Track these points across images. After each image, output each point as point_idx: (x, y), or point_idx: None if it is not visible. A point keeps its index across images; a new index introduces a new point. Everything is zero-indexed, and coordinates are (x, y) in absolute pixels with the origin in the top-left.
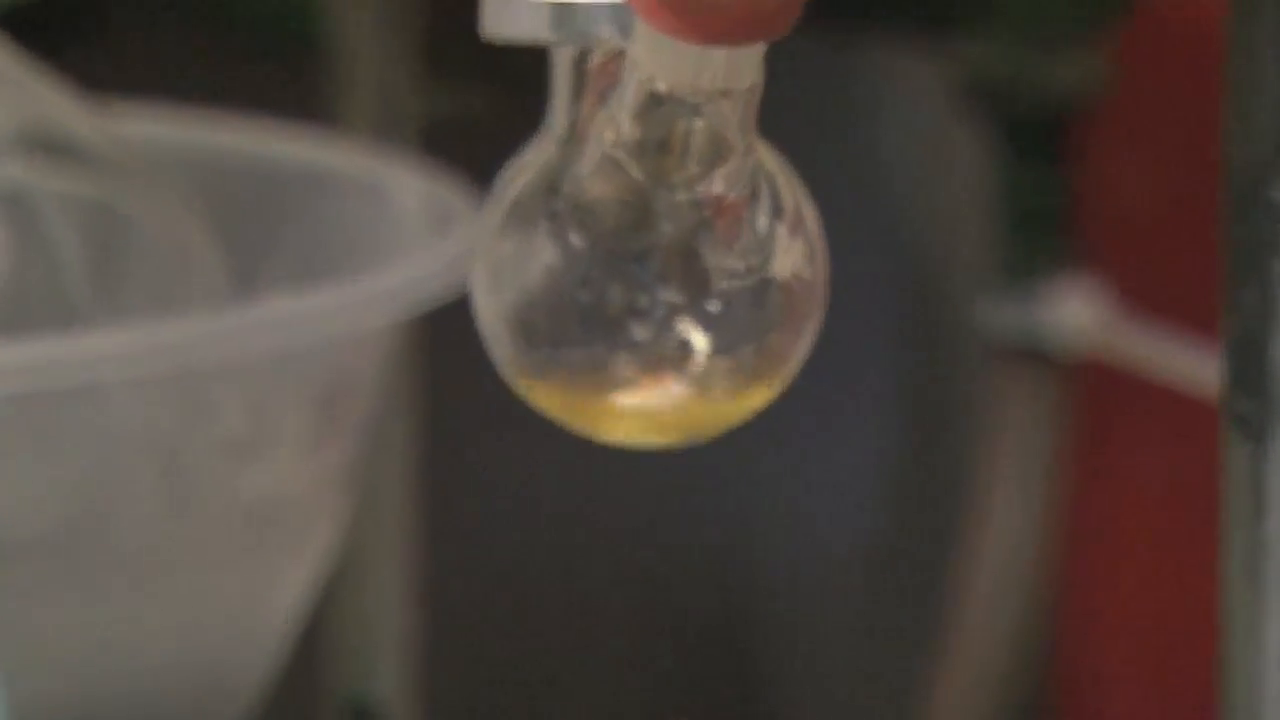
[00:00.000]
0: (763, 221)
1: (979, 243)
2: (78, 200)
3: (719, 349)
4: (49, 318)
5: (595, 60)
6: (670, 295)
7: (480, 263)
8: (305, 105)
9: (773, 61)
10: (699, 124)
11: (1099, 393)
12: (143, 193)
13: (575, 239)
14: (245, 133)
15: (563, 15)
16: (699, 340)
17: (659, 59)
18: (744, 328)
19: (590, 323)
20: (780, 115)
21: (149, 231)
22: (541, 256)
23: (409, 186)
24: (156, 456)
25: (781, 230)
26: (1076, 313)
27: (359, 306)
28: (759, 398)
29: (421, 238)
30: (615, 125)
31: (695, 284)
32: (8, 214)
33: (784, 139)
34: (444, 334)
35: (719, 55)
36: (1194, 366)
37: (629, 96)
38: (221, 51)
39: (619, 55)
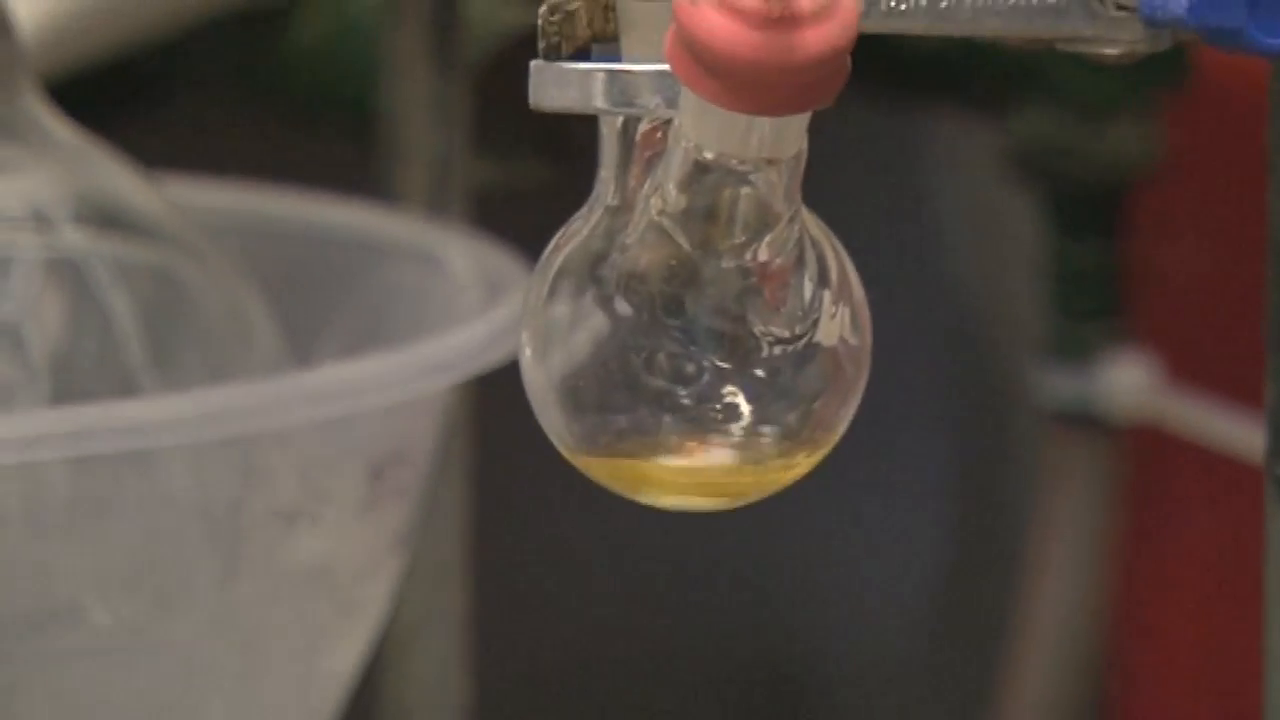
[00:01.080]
0: (808, 288)
1: (1032, 311)
2: (135, 268)
3: (765, 415)
4: (105, 385)
5: (642, 129)
6: (716, 361)
7: (528, 330)
8: (362, 178)
9: (831, 129)
10: (745, 192)
11: (1151, 460)
12: (199, 262)
13: (622, 306)
14: (301, 203)
15: (609, 84)
16: (745, 406)
17: (705, 127)
18: (789, 394)
19: (637, 389)
20: (838, 183)
21: (205, 300)
22: (589, 323)
23: (462, 255)
24: (210, 522)
25: (827, 297)
26: (1128, 381)
27: (410, 375)
28: (804, 463)
29: (474, 305)
30: (662, 193)
31: (741, 350)
32: (66, 282)
33: (842, 206)
34: (496, 399)
35: (765, 124)
36: (1244, 434)
37: (675, 165)
38: (280, 125)
39: (665, 124)
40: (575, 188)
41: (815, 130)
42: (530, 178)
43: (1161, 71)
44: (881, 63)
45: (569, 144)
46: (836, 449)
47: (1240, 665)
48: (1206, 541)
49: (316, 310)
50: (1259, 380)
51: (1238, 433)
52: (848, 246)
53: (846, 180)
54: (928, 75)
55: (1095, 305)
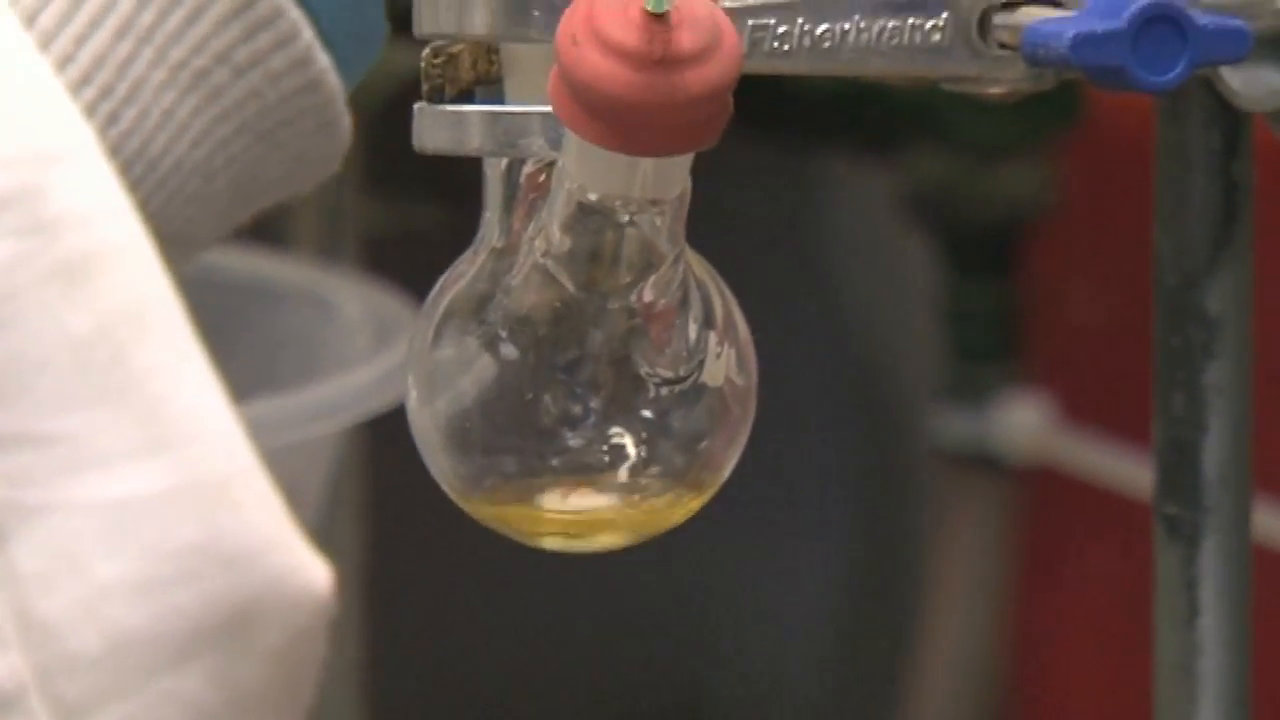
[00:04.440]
0: (693, 329)
1: (927, 352)
2: None
3: (652, 456)
4: None
5: (526, 171)
6: (602, 402)
7: (414, 373)
8: (253, 222)
9: (723, 172)
10: (629, 233)
11: (1045, 498)
12: None
13: (508, 348)
14: None
15: (491, 126)
16: (631, 447)
17: (588, 169)
18: (676, 434)
19: (523, 432)
20: (731, 225)
21: None
22: (474, 366)
23: (353, 299)
24: None
25: (712, 338)
26: (1022, 421)
27: (300, 418)
28: (692, 503)
29: (365, 349)
30: (546, 235)
31: (627, 391)
32: None
33: (735, 248)
34: (386, 441)
35: (648, 165)
36: (1135, 472)
37: (559, 206)
38: None
39: (549, 166)
40: (467, 230)
41: (708, 172)
42: (421, 220)
43: (1052, 112)
44: (773, 105)
45: (460, 187)
46: (736, 488)
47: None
48: (1099, 576)
49: (209, 352)
50: (1149, 420)
51: (1129, 471)
52: (740, 288)
53: (740, 222)
54: (820, 117)
55: (989, 346)
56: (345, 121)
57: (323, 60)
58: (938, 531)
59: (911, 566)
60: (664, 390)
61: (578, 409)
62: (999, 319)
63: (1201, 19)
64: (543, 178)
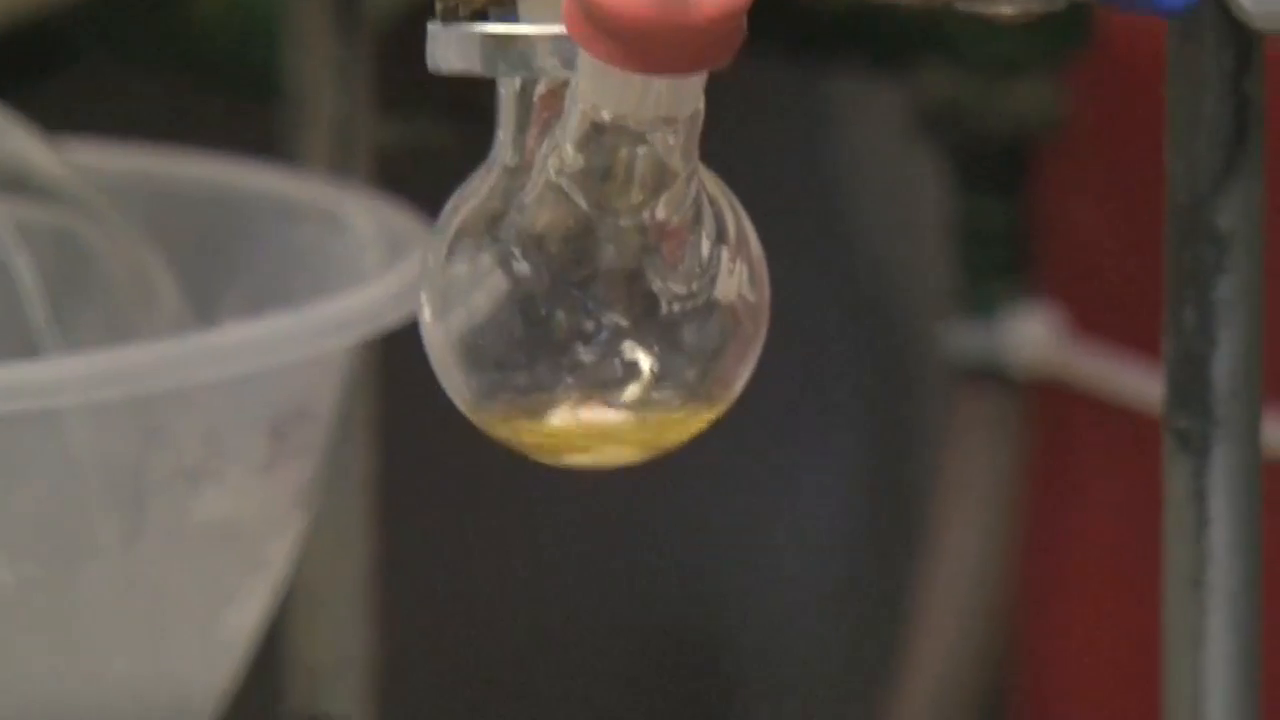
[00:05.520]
0: (706, 246)
1: (937, 268)
2: (37, 230)
3: (664, 371)
4: (7, 346)
5: (540, 91)
6: (615, 319)
7: (427, 290)
8: (266, 139)
9: (735, 90)
10: (642, 151)
11: (1054, 413)
12: (102, 224)
13: (520, 266)
14: (205, 165)
15: (505, 47)
16: (644, 363)
17: (602, 89)
18: (689, 350)
19: (536, 347)
20: (743, 142)
21: (108, 262)
22: (487, 283)
23: (364, 215)
24: (113, 481)
25: (725, 254)
26: (1032, 336)
27: (312, 334)
28: (703, 418)
29: (376, 265)
30: (559, 153)
31: (640, 308)
32: None
33: (746, 166)
34: (400, 357)
35: (661, 84)
36: (1145, 387)
37: (573, 126)
38: (184, 88)
39: (563, 85)
40: (478, 149)
41: (719, 91)
42: (433, 139)
43: (1064, 31)
44: (785, 23)
45: (472, 105)
46: (746, 402)
47: (1144, 614)
48: (1109, 492)
49: (219, 270)
50: (1160, 334)
51: (1139, 386)
52: (752, 206)
53: (751, 140)
54: (832, 36)
55: (1000, 262)
56: None
57: None
58: (948, 445)
59: (921, 479)
60: (676, 306)
61: (590, 325)
62: (1009, 235)
63: None
64: (556, 97)
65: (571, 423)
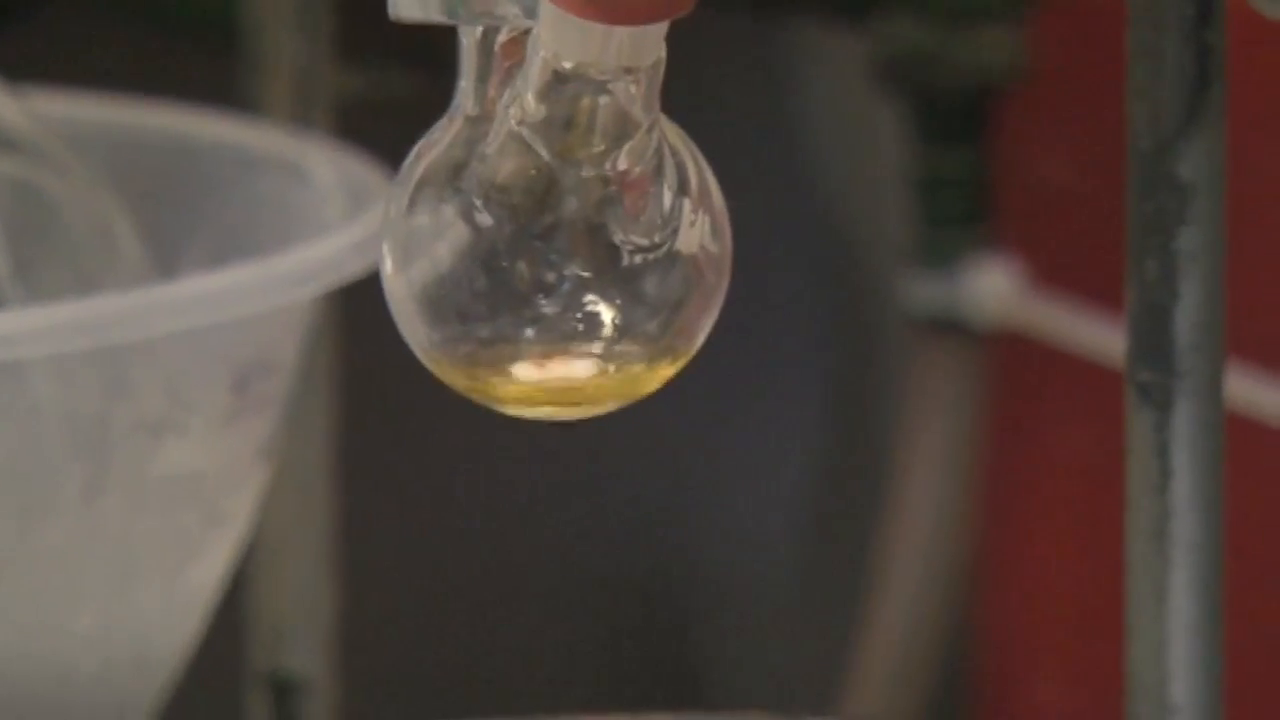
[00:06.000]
0: (668, 196)
1: (898, 218)
2: None
3: (626, 323)
4: None
5: (501, 39)
6: (577, 270)
7: (388, 240)
8: (225, 88)
9: (694, 40)
10: (604, 101)
11: (1016, 365)
12: (62, 173)
13: (482, 216)
14: (165, 115)
15: None
16: (606, 314)
17: (563, 37)
18: (651, 302)
19: (497, 298)
20: (702, 93)
21: (69, 211)
22: (449, 233)
23: (326, 165)
24: (76, 433)
25: (686, 205)
26: (993, 287)
27: (274, 285)
28: (666, 370)
29: (338, 216)
30: (521, 103)
31: (602, 259)
32: None
33: (706, 116)
34: (361, 309)
35: (623, 33)
36: (1107, 338)
37: (534, 75)
38: (144, 37)
39: (524, 34)
40: (441, 97)
41: (680, 41)
42: (395, 88)
43: None
44: None
45: (434, 54)
46: (707, 354)
47: (1107, 567)
48: (1071, 445)
49: (180, 221)
50: (1120, 286)
51: (1101, 337)
52: (712, 156)
53: (712, 90)
54: None
55: (961, 211)
56: None
57: None
58: (908, 396)
59: (882, 430)
60: (638, 258)
61: (552, 276)
62: (970, 185)
63: None
64: (518, 46)
65: (534, 375)
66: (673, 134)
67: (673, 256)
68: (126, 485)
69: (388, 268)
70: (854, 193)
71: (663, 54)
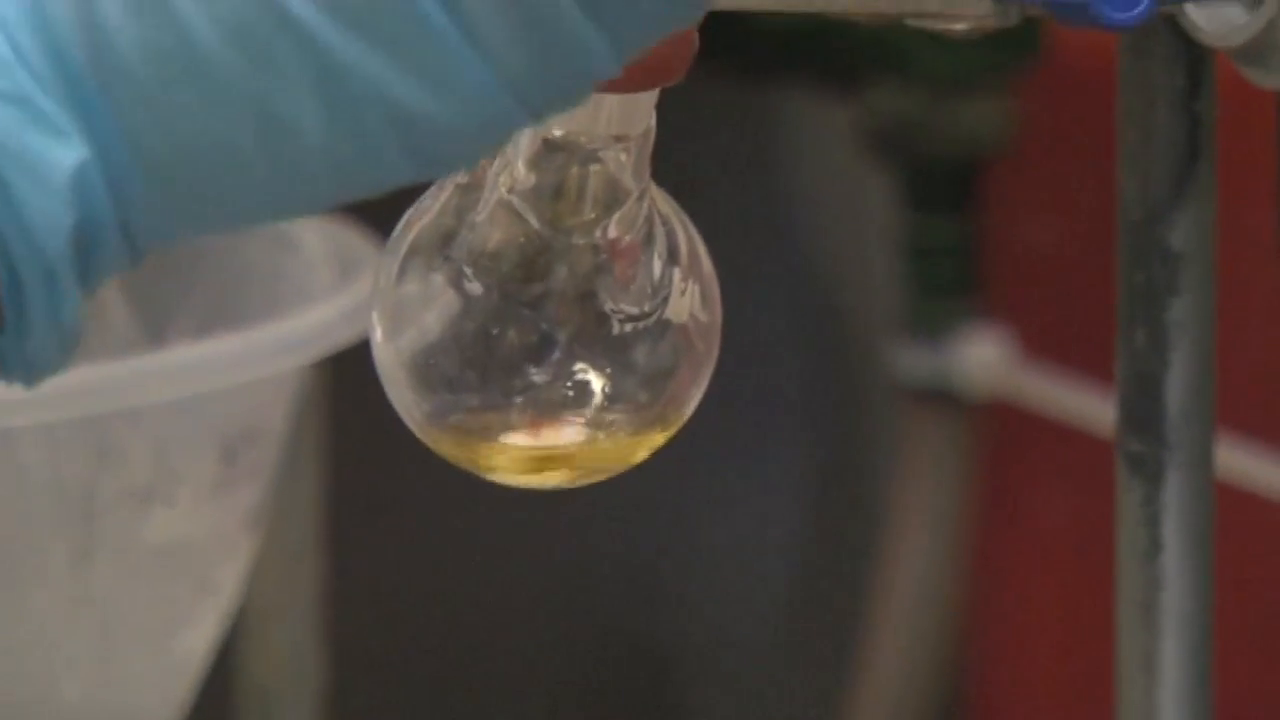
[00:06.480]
0: (658, 265)
1: (887, 288)
2: None
3: (616, 392)
4: None
5: None
6: (567, 339)
7: (379, 309)
8: None
9: (687, 108)
10: (594, 169)
11: (1004, 433)
12: None
13: (472, 284)
14: None
15: None
16: (596, 383)
17: None
18: (641, 371)
19: (487, 367)
20: (694, 160)
21: None
22: (438, 302)
23: (315, 234)
24: (64, 501)
25: (676, 274)
26: (982, 356)
27: (263, 354)
28: (655, 438)
29: (327, 285)
30: (511, 171)
31: (592, 327)
32: None
33: (697, 184)
34: (350, 377)
35: (613, 101)
36: (1095, 408)
37: (524, 143)
38: None
39: None
40: None
41: (670, 107)
42: None
43: (1014, 48)
44: (736, 41)
45: None
46: (696, 422)
47: (1094, 633)
48: (1059, 512)
49: (170, 290)
50: (1111, 355)
51: (1090, 407)
52: (703, 225)
53: (702, 158)
54: (782, 54)
55: (950, 281)
56: None
57: None
58: (897, 467)
59: (871, 501)
60: (629, 326)
61: (542, 345)
62: (959, 254)
63: None
64: None
65: (523, 444)
66: (663, 202)
67: (663, 325)
68: (114, 554)
69: (377, 336)
70: (843, 261)
71: (653, 123)
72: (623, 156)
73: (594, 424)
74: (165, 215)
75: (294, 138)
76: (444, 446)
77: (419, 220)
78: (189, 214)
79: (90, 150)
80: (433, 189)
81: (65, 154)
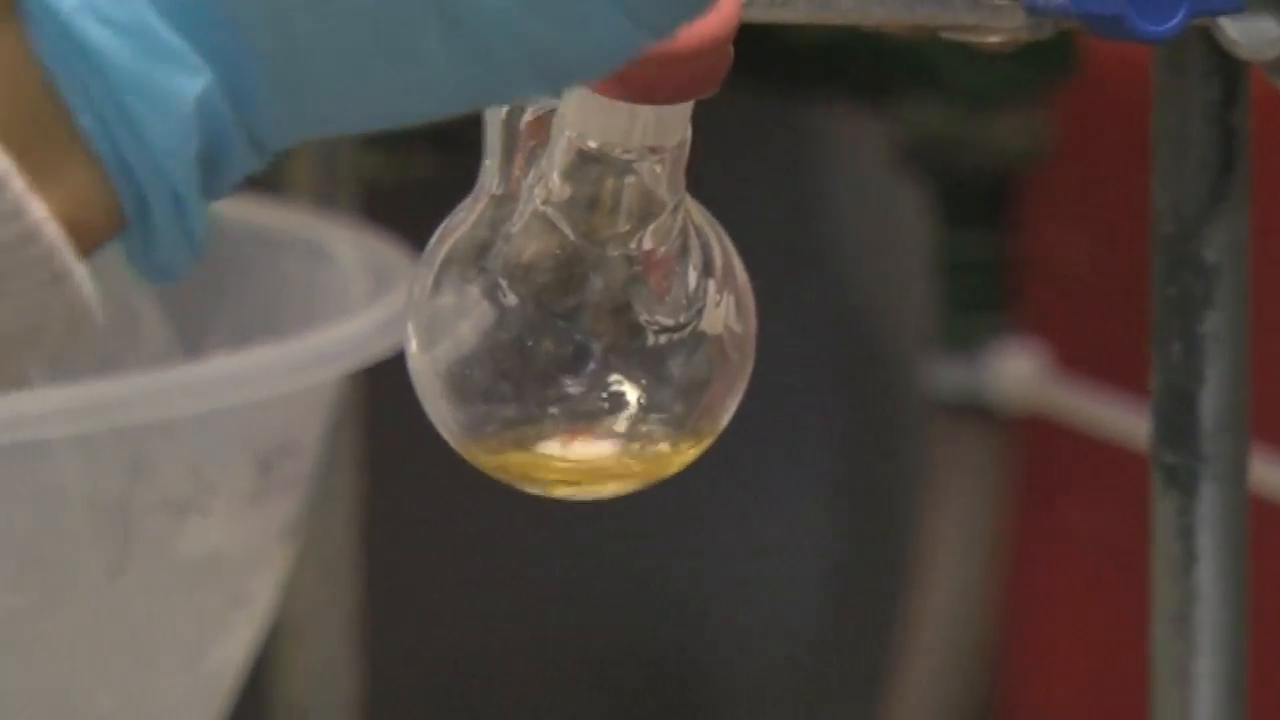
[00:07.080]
0: (693, 276)
1: (921, 301)
2: None
3: (651, 403)
4: None
5: (526, 119)
6: (602, 350)
7: (414, 321)
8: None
9: (720, 120)
10: (629, 181)
11: (1038, 447)
12: None
13: (507, 296)
14: None
15: None
16: (631, 395)
17: (588, 117)
18: (675, 381)
19: (523, 378)
20: (727, 173)
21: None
22: (474, 313)
23: (350, 247)
24: (99, 513)
25: (711, 285)
26: (1015, 369)
27: (298, 366)
28: (690, 451)
29: (362, 297)
30: (545, 183)
31: (627, 339)
32: None
33: (730, 197)
34: (386, 389)
35: (648, 113)
36: (1129, 421)
37: (559, 154)
38: None
39: (549, 114)
40: (464, 178)
41: (705, 121)
42: (419, 168)
43: (1048, 61)
44: (770, 55)
45: (458, 134)
46: (728, 436)
47: (1127, 647)
48: (1093, 525)
49: (205, 302)
50: (1145, 368)
51: (1124, 420)
52: (736, 238)
53: (735, 171)
54: (816, 67)
55: (983, 296)
56: (78, 273)
57: (36, 211)
58: (931, 482)
59: (905, 516)
60: (663, 338)
61: (577, 356)
62: (994, 269)
63: None
64: (542, 125)
65: (558, 455)
66: (697, 214)
67: (697, 336)
68: (149, 565)
69: (413, 348)
70: (876, 275)
71: (688, 134)
72: (658, 168)
73: (629, 435)
74: (291, 122)
75: (418, 58)
76: (479, 458)
77: (454, 232)
78: (315, 119)
79: (213, 73)
80: (467, 201)
81: (188, 82)
